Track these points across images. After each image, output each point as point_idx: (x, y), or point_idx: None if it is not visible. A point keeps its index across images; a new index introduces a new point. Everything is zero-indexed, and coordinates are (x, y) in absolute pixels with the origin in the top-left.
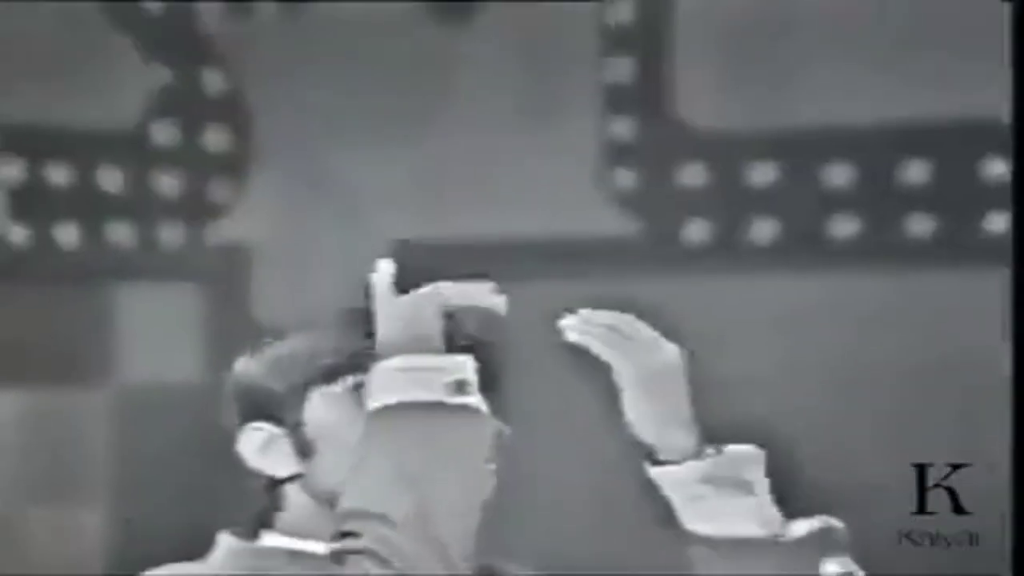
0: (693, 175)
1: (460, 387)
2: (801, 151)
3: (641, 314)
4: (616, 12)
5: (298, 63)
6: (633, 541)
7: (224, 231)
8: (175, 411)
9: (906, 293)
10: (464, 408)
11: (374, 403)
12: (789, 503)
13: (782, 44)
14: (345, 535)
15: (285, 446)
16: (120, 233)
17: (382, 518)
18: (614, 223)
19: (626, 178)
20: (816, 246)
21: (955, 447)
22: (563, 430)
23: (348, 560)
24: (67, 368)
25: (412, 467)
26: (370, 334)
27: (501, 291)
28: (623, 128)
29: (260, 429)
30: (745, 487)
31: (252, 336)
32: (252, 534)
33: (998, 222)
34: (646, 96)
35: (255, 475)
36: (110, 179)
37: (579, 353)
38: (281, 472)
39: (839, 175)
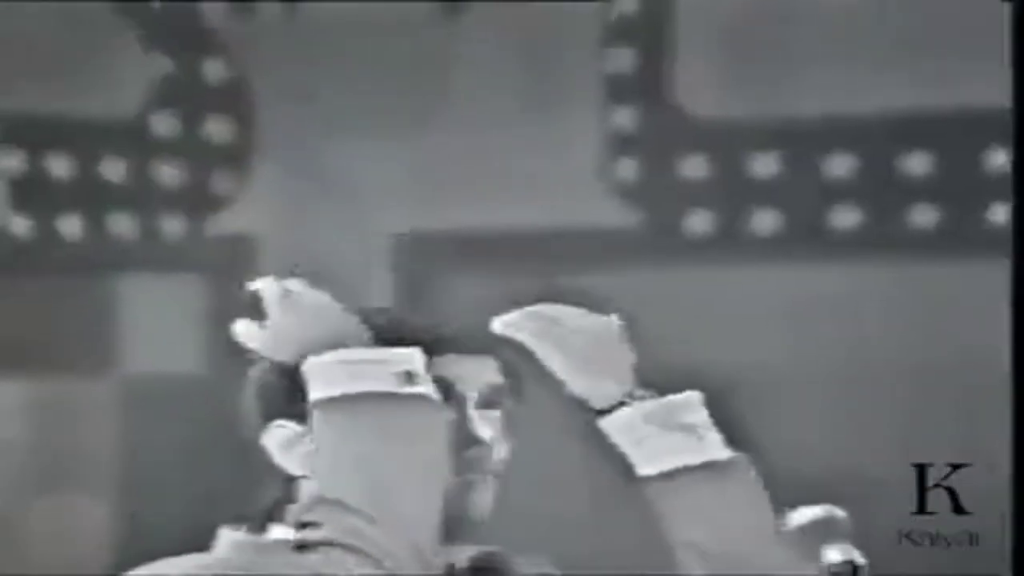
0: (695, 166)
1: (409, 378)
2: (802, 142)
3: (642, 305)
4: (619, 3)
5: (300, 55)
6: (628, 540)
7: (226, 223)
8: (178, 402)
9: (908, 285)
10: (415, 397)
11: (316, 395)
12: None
13: (784, 35)
14: (305, 525)
15: (307, 444)
16: (122, 224)
17: (341, 505)
18: (615, 215)
19: (628, 169)
20: (818, 237)
21: (955, 446)
22: (564, 419)
23: (318, 551)
24: (70, 359)
25: (366, 454)
26: (391, 335)
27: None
28: (624, 119)
29: (284, 427)
30: (688, 429)
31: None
32: (259, 527)
33: (1001, 213)
34: (647, 87)
35: (262, 469)
36: (112, 170)
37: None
38: (300, 470)
39: (840, 166)
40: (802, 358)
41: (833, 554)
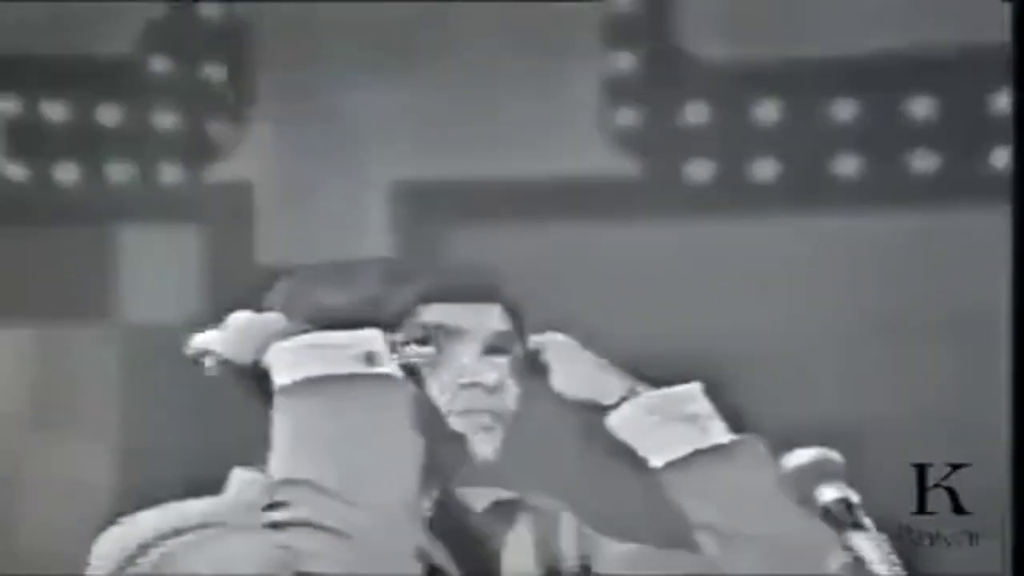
0: (696, 112)
1: (370, 359)
2: (805, 85)
3: (643, 256)
4: None
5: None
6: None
7: (225, 170)
8: (177, 351)
9: (910, 233)
10: (378, 377)
11: (281, 381)
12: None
13: None
14: (275, 506)
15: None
16: (119, 172)
17: (309, 485)
18: (615, 163)
19: (627, 117)
20: (819, 184)
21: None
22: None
23: (287, 531)
24: (68, 306)
25: (330, 435)
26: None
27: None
28: (625, 63)
29: None
30: (691, 418)
31: (254, 277)
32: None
33: (1003, 158)
34: (648, 29)
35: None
36: (108, 115)
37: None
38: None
39: (844, 110)
40: (802, 309)
41: (828, 492)
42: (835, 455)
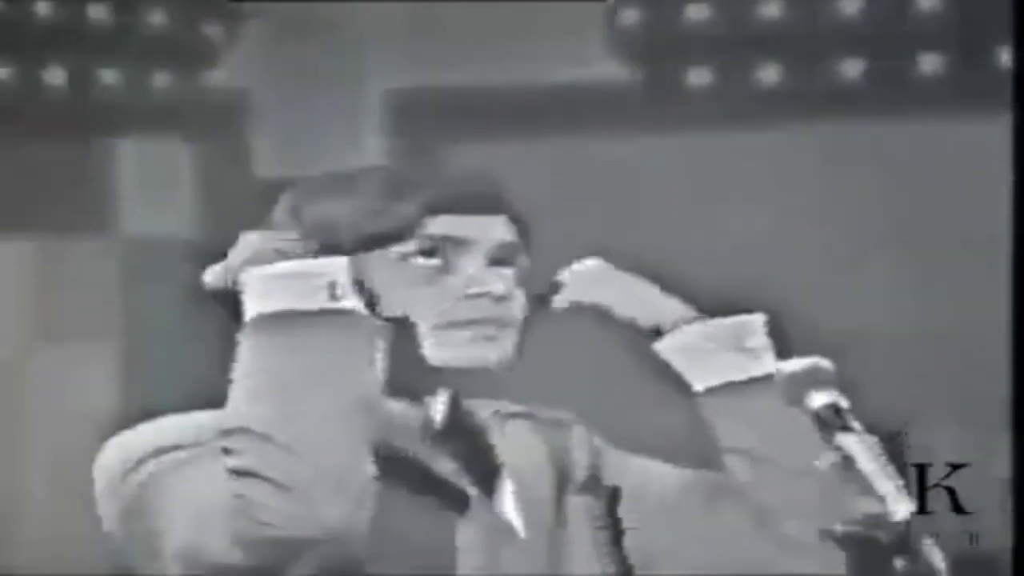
0: (697, 11)
1: (332, 289)
2: None
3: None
4: None
5: None
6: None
7: (219, 79)
8: (174, 262)
9: (913, 139)
10: (340, 315)
11: (251, 312)
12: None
13: None
14: (227, 452)
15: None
16: (110, 77)
17: (256, 434)
18: (615, 69)
19: (630, 18)
20: (822, 87)
21: (948, 317)
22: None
23: (238, 479)
24: (62, 217)
25: (288, 379)
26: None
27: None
28: None
29: None
30: (749, 353)
31: (249, 189)
32: None
33: (1007, 58)
34: None
35: None
36: (98, 14)
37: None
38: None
39: (850, 5)
40: (801, 221)
41: (819, 398)
42: (826, 363)
